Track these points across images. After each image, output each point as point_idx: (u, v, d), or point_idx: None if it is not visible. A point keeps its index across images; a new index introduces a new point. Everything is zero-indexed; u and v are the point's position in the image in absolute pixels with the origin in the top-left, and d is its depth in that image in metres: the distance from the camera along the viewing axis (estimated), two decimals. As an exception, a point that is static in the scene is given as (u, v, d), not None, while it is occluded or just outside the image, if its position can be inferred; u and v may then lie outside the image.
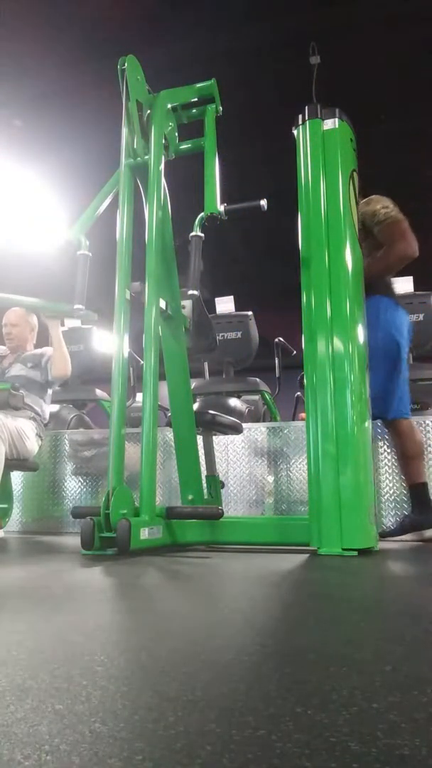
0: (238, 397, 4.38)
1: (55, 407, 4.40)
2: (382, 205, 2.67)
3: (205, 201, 2.41)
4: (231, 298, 4.55)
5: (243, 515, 3.21)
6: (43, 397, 3.31)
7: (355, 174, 2.47)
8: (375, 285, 2.63)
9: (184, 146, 2.64)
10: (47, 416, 3.35)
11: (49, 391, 3.38)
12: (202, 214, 2.40)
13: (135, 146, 2.37)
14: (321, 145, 2.43)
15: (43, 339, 3.46)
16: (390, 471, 3.12)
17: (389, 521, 3.06)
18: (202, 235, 2.43)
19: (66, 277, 2.95)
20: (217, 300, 4.55)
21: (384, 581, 1.56)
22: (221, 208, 2.37)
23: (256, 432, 3.43)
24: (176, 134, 2.56)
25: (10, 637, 0.84)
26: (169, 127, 2.49)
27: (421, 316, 4.21)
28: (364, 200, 2.73)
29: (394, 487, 3.10)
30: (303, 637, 0.87)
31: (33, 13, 4.51)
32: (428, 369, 4.11)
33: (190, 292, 2.35)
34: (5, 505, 3.35)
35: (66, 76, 5.12)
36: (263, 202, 2.36)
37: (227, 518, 2.40)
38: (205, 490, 2.72)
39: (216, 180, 2.44)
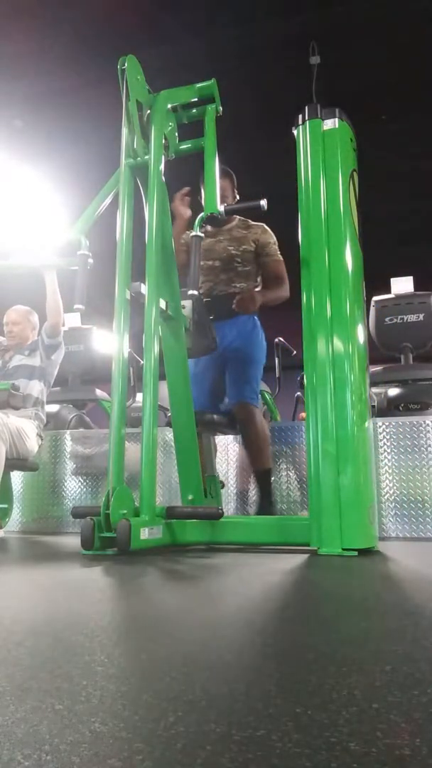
0: (238, 397, 4.37)
1: (55, 407, 4.40)
2: (274, 241, 2.98)
3: (205, 201, 2.41)
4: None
5: (243, 515, 3.21)
6: (45, 381, 3.30)
7: (355, 174, 2.47)
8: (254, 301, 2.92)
9: (184, 146, 2.64)
10: (45, 400, 3.34)
11: (51, 382, 3.37)
12: (202, 214, 2.40)
13: (135, 146, 2.36)
14: (321, 145, 2.43)
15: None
16: (390, 471, 3.12)
17: (389, 521, 3.07)
18: (202, 235, 2.43)
19: (66, 277, 2.95)
20: (217, 300, 4.54)
21: (384, 581, 1.56)
22: (221, 208, 2.36)
23: (256, 432, 3.42)
24: (176, 134, 2.56)
25: (10, 637, 0.84)
26: (169, 127, 2.49)
27: (421, 316, 4.20)
28: (260, 225, 2.98)
29: (394, 487, 3.10)
30: (303, 637, 0.87)
31: (33, 12, 4.51)
32: (428, 369, 4.11)
33: (190, 292, 2.35)
34: (5, 505, 3.35)
35: (66, 76, 5.12)
36: (263, 202, 2.36)
37: (227, 518, 2.40)
38: (205, 491, 2.71)
39: (216, 180, 2.44)
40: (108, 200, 2.58)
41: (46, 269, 3.19)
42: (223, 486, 3.08)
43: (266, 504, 2.91)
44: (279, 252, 2.96)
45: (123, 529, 1.86)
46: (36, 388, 3.26)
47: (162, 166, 2.41)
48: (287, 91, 3.77)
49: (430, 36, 4.53)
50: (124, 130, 2.36)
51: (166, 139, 2.45)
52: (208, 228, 2.81)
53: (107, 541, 1.96)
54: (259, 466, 2.90)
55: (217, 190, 2.42)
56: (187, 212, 2.89)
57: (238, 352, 2.84)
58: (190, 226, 2.87)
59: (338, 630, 0.92)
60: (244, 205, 2.45)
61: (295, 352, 4.28)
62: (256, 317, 2.93)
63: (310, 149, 2.44)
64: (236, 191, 3.00)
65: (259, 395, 2.97)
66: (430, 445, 3.08)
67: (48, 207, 6.65)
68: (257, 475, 2.95)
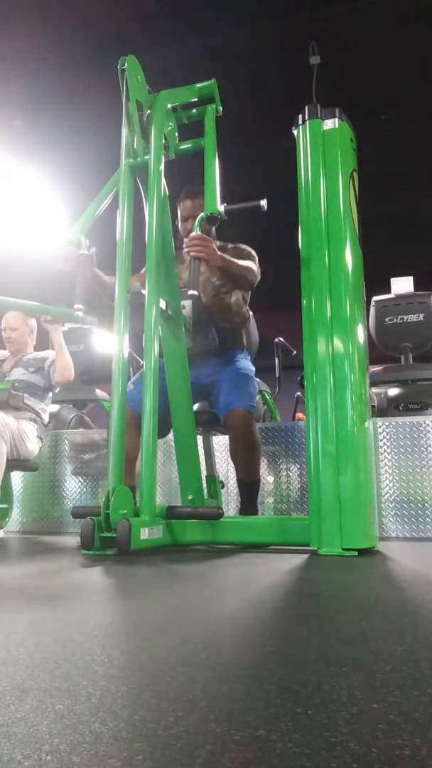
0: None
1: (55, 407, 4.40)
2: (250, 252, 2.81)
3: (205, 201, 2.41)
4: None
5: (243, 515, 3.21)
6: (44, 400, 3.32)
7: (355, 174, 2.47)
8: (238, 340, 2.87)
9: (184, 146, 2.64)
10: (47, 418, 3.36)
11: (50, 395, 3.39)
12: (202, 214, 2.40)
13: (135, 146, 2.36)
14: (321, 145, 2.43)
15: (43, 340, 3.46)
16: (390, 471, 3.12)
17: (389, 521, 3.07)
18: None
19: (65, 278, 2.95)
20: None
21: (384, 581, 1.56)
22: (221, 208, 2.36)
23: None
24: (176, 134, 2.56)
25: (10, 637, 0.84)
26: (169, 128, 2.49)
27: (421, 316, 4.21)
28: (236, 244, 2.84)
29: (394, 487, 3.10)
30: (303, 637, 0.87)
31: (33, 13, 4.51)
32: (428, 369, 4.12)
33: (190, 292, 2.35)
34: (5, 505, 3.35)
35: (66, 76, 5.12)
36: (263, 202, 2.36)
37: (227, 518, 2.40)
38: (205, 490, 2.71)
39: (216, 180, 2.44)
40: (108, 200, 2.58)
41: (51, 327, 3.22)
42: (223, 486, 3.08)
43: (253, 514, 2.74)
44: (256, 260, 2.77)
45: (123, 529, 1.86)
46: (38, 406, 3.27)
47: (162, 166, 2.41)
48: (287, 91, 3.77)
49: (430, 36, 4.53)
50: (124, 130, 2.36)
51: (166, 139, 2.45)
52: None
53: (107, 541, 1.96)
54: (250, 477, 2.69)
55: (217, 190, 2.41)
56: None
57: (231, 374, 2.71)
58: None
59: (338, 630, 0.92)
60: (245, 205, 2.44)
61: (295, 352, 4.28)
62: (246, 353, 2.86)
63: (310, 149, 2.44)
64: (214, 233, 2.80)
65: (256, 402, 2.87)
66: (430, 445, 3.08)
67: (48, 207, 6.65)
68: (246, 486, 2.70)
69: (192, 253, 2.38)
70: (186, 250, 2.42)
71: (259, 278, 2.75)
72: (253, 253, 2.83)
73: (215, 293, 2.79)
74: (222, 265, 2.54)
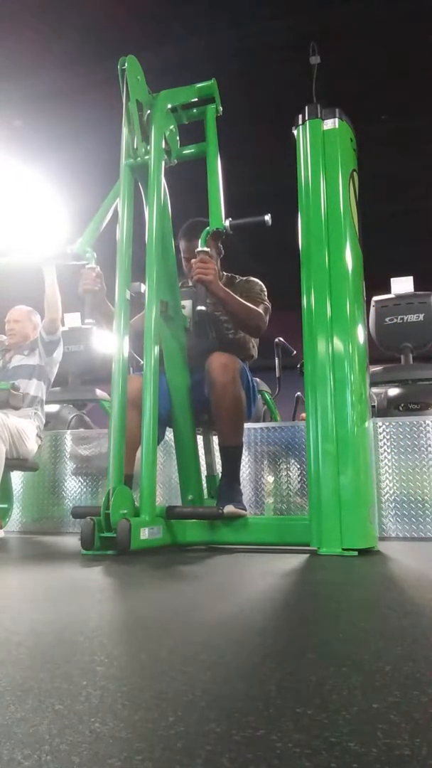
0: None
1: (56, 407, 4.40)
2: (260, 289, 2.67)
3: (210, 216, 2.39)
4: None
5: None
6: (44, 380, 3.34)
7: (355, 174, 2.47)
8: (245, 352, 2.69)
9: (186, 151, 2.63)
10: (44, 399, 3.37)
11: (51, 379, 3.40)
12: (207, 228, 2.39)
13: (135, 146, 2.36)
14: (321, 145, 2.43)
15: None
16: (390, 471, 3.12)
17: (389, 521, 3.07)
18: (208, 249, 2.41)
19: (65, 279, 2.95)
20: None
21: (384, 581, 1.56)
22: (226, 223, 2.36)
23: (256, 432, 3.43)
24: (177, 138, 2.55)
25: (10, 638, 0.84)
26: (170, 131, 2.48)
27: (421, 316, 4.21)
28: (245, 278, 2.72)
29: (394, 487, 3.10)
30: (303, 637, 0.87)
31: (33, 13, 4.51)
32: (428, 369, 4.12)
33: (199, 307, 2.34)
34: (5, 505, 3.35)
35: (66, 76, 5.12)
36: (267, 217, 2.37)
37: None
38: (205, 490, 2.71)
39: (220, 193, 2.42)
40: (111, 211, 2.56)
41: (46, 265, 3.22)
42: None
43: (231, 493, 2.41)
44: (266, 299, 2.64)
45: (123, 529, 1.86)
46: (34, 386, 3.28)
47: (162, 166, 2.40)
48: (287, 91, 3.77)
49: (430, 36, 4.54)
50: (124, 130, 2.36)
51: (167, 143, 2.45)
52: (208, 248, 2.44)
53: (107, 541, 1.96)
54: (231, 442, 2.41)
55: (221, 205, 2.39)
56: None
57: None
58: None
59: (338, 630, 0.92)
60: (249, 220, 2.43)
61: (295, 352, 4.28)
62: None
63: (310, 149, 2.44)
64: (221, 246, 2.71)
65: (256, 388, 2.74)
66: (430, 445, 3.08)
67: (48, 207, 6.65)
68: (227, 453, 2.43)
69: (195, 277, 2.33)
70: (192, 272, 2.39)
71: (266, 321, 2.59)
72: (264, 288, 2.69)
73: (218, 328, 2.65)
74: (221, 296, 2.41)
